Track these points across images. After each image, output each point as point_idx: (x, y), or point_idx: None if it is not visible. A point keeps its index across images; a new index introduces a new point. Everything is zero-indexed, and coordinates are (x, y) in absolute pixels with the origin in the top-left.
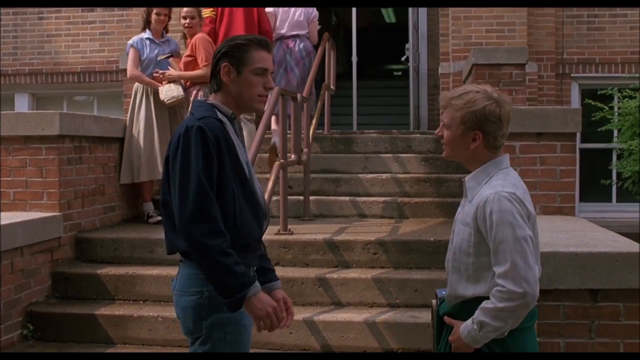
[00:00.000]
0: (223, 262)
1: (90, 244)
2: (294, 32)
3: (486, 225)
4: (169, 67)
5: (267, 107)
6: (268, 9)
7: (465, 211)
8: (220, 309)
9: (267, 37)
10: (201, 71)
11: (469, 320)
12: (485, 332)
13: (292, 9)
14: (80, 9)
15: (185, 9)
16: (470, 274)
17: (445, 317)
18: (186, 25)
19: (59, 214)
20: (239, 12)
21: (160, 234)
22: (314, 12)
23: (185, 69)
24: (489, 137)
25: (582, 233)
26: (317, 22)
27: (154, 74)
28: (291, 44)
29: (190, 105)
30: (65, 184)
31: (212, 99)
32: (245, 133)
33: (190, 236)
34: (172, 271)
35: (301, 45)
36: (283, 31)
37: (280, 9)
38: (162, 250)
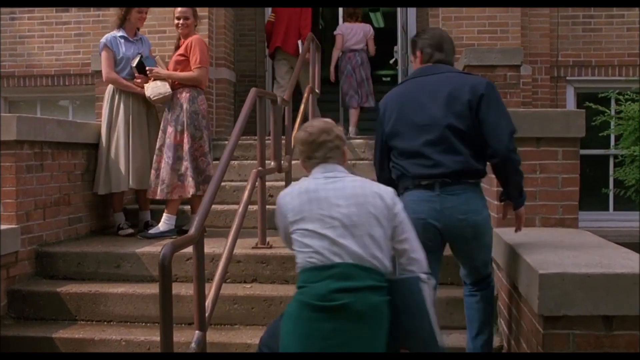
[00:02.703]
0: (521, 171)
1: (52, 258)
2: (354, 47)
3: None
4: (157, 64)
5: (243, 109)
6: (337, 32)
7: None
8: None
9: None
10: (192, 73)
11: None
12: None
13: (354, 30)
14: (54, 8)
15: (179, 9)
16: None
17: None
18: (179, 25)
19: (16, 226)
20: (284, 17)
21: (127, 248)
22: (370, 30)
23: (174, 68)
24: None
25: (591, 250)
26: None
27: (135, 81)
28: (352, 56)
29: (183, 103)
30: (23, 193)
31: None
32: None
33: (508, 148)
34: (139, 289)
35: (358, 58)
36: (347, 45)
37: (345, 31)
38: (130, 266)
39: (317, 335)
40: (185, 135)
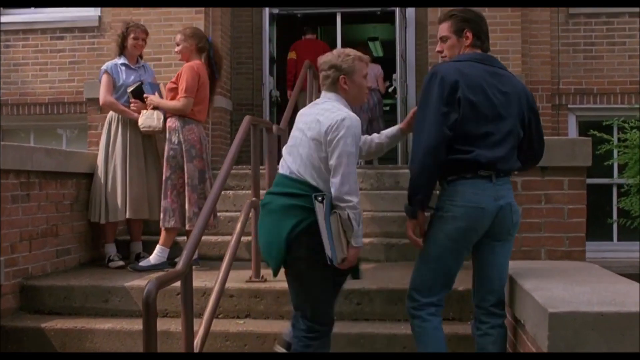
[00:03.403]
0: None
1: (38, 292)
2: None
3: None
4: (157, 92)
5: (236, 138)
6: None
7: None
8: None
9: None
10: (178, 103)
11: None
12: None
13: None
14: (49, 36)
15: (177, 37)
16: None
17: None
18: (176, 52)
19: None
20: (309, 56)
21: (116, 281)
22: (379, 70)
23: (166, 96)
24: None
25: (602, 285)
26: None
27: (131, 106)
28: (367, 96)
29: (167, 133)
30: (8, 224)
31: None
32: None
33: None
34: (127, 324)
35: (375, 98)
36: None
37: None
38: (118, 300)
39: (261, 221)
40: (168, 166)
